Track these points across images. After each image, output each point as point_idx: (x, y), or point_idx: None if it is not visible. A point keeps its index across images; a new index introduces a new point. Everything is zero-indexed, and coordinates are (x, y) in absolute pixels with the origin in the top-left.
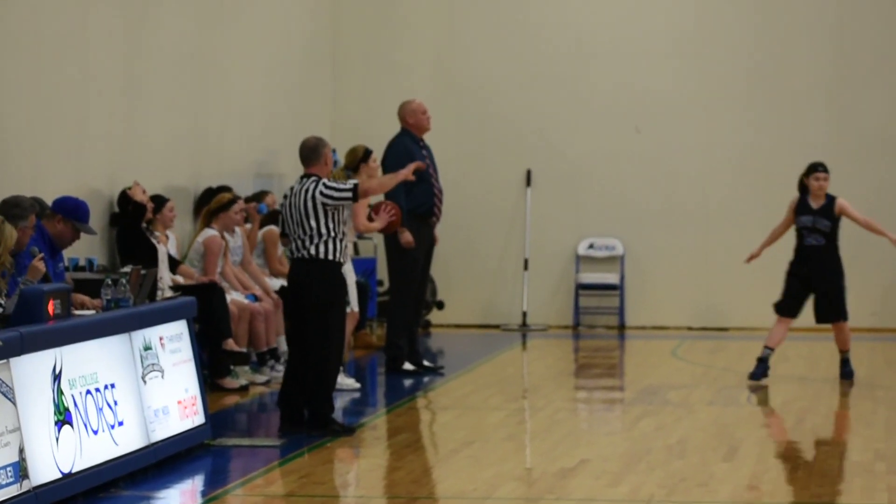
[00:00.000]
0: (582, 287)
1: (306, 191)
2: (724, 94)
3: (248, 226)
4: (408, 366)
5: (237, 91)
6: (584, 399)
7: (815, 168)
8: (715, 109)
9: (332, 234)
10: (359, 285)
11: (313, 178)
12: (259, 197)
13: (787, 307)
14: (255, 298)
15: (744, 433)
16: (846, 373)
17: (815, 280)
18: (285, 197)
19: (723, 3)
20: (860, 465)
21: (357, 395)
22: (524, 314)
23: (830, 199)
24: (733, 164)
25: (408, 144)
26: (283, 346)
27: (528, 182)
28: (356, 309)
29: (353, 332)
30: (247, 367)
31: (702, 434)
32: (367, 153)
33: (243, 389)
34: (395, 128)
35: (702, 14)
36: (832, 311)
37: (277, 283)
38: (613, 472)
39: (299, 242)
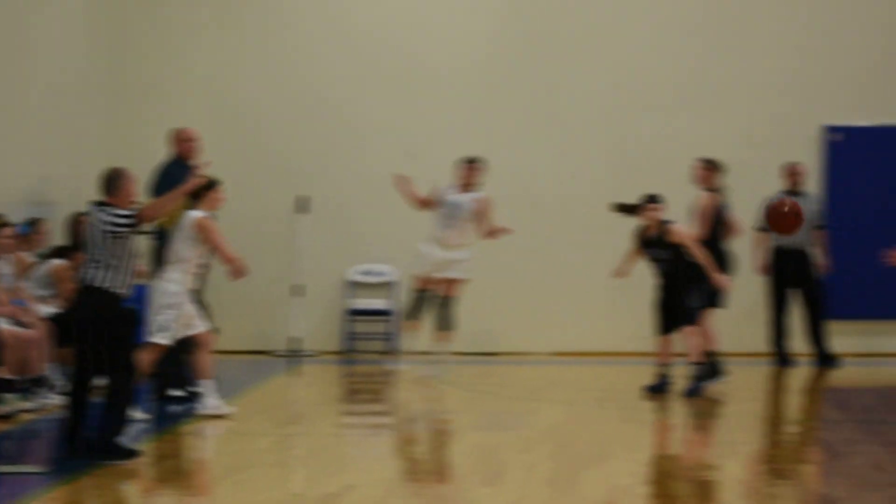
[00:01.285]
0: (353, 313)
1: (96, 219)
2: (498, 121)
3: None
4: (176, 391)
5: (11, 117)
6: (352, 424)
7: (649, 200)
8: (488, 136)
9: (117, 262)
10: (129, 312)
11: (103, 207)
12: (33, 224)
13: (663, 327)
14: (23, 325)
15: (508, 457)
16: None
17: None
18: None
19: (490, 39)
20: (625, 490)
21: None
22: (295, 340)
23: (663, 226)
24: (505, 190)
25: (172, 170)
26: (53, 373)
27: (301, 208)
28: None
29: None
30: (15, 395)
31: (466, 458)
32: (212, 183)
33: (9, 417)
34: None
35: (482, 44)
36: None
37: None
38: (377, 497)
39: (88, 270)
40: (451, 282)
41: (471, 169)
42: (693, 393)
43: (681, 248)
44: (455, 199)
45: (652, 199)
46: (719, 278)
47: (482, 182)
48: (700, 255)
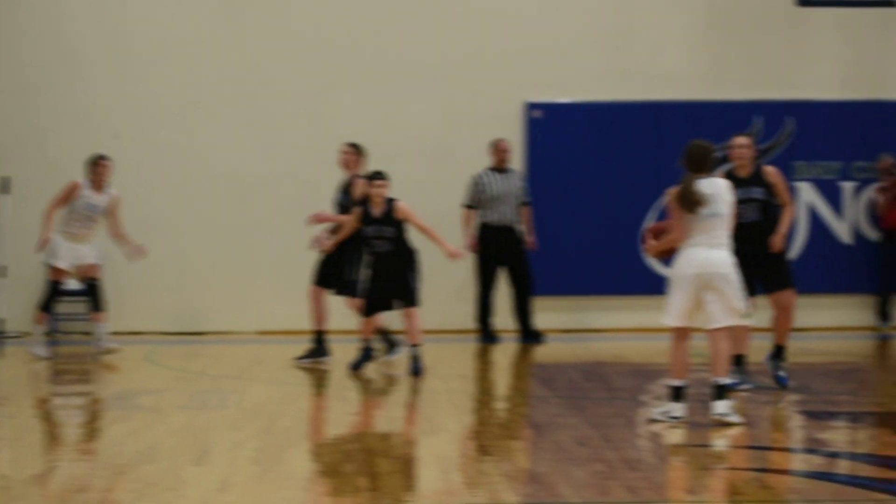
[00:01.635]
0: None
1: None
2: (204, 102)
3: None
4: None
5: None
6: (57, 405)
7: (373, 176)
8: (194, 118)
9: None
10: None
11: None
12: None
13: (371, 308)
14: None
15: (215, 437)
16: (416, 368)
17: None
18: None
19: (210, 16)
20: (330, 467)
21: None
22: (1, 321)
23: (390, 203)
24: (211, 171)
25: None
26: None
27: (2, 189)
28: None
29: None
30: None
31: (173, 438)
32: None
33: None
34: None
35: (188, 28)
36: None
37: None
38: (81, 478)
39: None
40: (88, 267)
41: (103, 167)
42: (416, 372)
43: (403, 227)
44: (90, 195)
45: (378, 175)
46: (453, 249)
47: (111, 180)
48: (430, 231)
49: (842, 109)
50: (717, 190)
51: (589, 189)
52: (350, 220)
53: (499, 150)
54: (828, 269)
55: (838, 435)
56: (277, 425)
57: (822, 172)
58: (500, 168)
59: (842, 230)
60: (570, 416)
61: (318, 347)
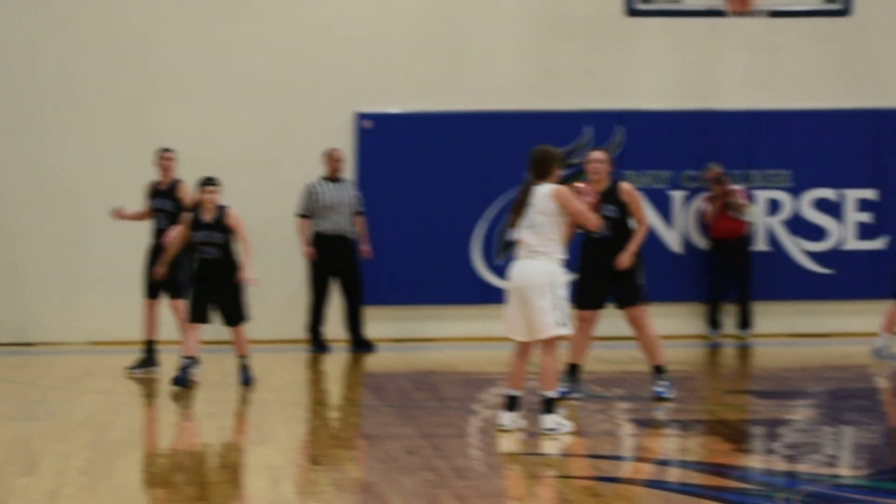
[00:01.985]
0: None
1: None
2: (36, 111)
3: None
4: None
5: None
6: None
7: (205, 182)
8: (25, 126)
9: None
10: None
11: None
12: None
13: (196, 314)
14: None
15: (44, 447)
16: (246, 379)
17: (213, 288)
18: None
19: (39, 24)
20: (160, 477)
21: None
22: None
23: (222, 210)
24: (40, 180)
25: None
26: None
27: None
28: None
29: None
30: None
31: (1, 449)
32: None
33: None
34: None
35: (12, 32)
36: (236, 316)
37: None
38: None
39: None
40: None
41: None
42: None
43: (233, 235)
44: None
45: (210, 181)
46: (249, 276)
47: None
48: (247, 247)
49: (671, 119)
50: (538, 199)
51: (419, 199)
52: (180, 229)
53: (332, 160)
54: (658, 277)
55: (669, 443)
56: (108, 436)
57: (652, 182)
58: (333, 177)
59: (672, 239)
60: (400, 425)
61: (149, 357)
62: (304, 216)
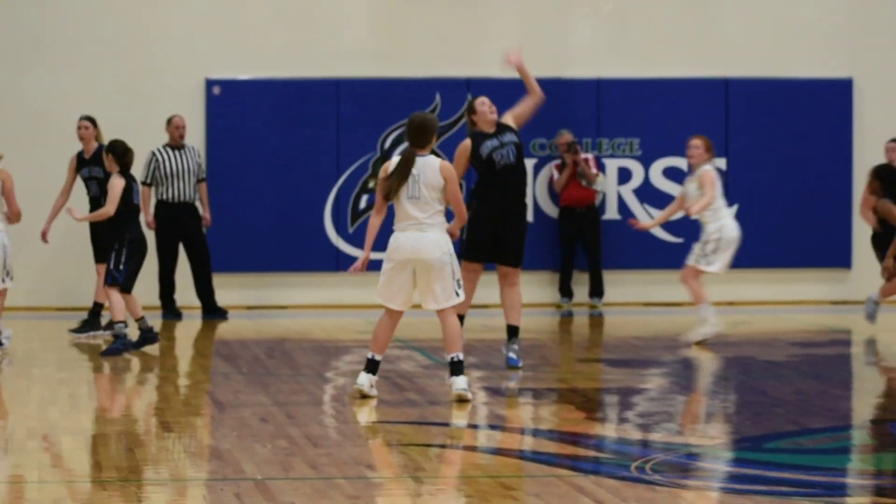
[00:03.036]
0: None
1: None
2: None
3: None
4: None
5: None
6: None
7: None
8: None
9: None
10: None
11: None
12: None
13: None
14: None
15: None
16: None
17: None
18: None
19: None
20: (14, 444)
21: None
22: None
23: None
24: None
25: None
26: None
27: None
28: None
29: None
30: None
31: None
32: None
33: None
34: None
35: None
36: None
37: None
38: None
39: None
40: None
41: None
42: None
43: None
44: None
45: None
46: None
47: None
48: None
49: (521, 87)
50: (424, 172)
51: (271, 166)
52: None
53: (174, 127)
54: None
55: (521, 411)
56: None
57: None
58: (176, 145)
59: None
60: (253, 393)
61: (94, 320)
62: (146, 184)
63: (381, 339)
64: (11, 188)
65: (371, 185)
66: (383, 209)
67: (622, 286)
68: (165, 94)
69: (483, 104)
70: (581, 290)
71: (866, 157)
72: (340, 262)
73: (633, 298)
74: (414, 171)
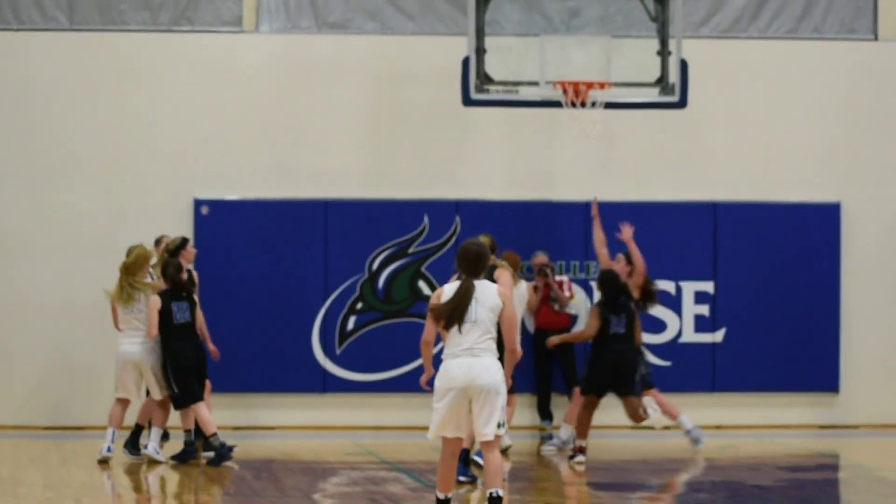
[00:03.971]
0: None
1: None
2: None
3: None
4: None
5: None
6: None
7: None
8: None
9: None
10: None
11: None
12: None
13: None
14: None
15: None
16: None
17: None
18: None
19: None
20: None
21: None
22: None
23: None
24: None
25: None
26: None
27: None
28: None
29: None
30: None
31: None
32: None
33: None
34: None
35: None
36: None
37: None
38: None
39: None
40: None
41: None
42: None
43: None
44: None
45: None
46: None
47: None
48: None
49: (508, 208)
50: (483, 296)
51: (259, 286)
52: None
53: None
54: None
55: None
56: None
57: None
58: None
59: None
60: None
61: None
62: None
63: (445, 475)
64: None
65: (359, 306)
66: (434, 337)
67: (605, 409)
68: (154, 213)
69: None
70: (561, 412)
71: (854, 281)
72: (328, 384)
73: (616, 421)
74: (475, 295)
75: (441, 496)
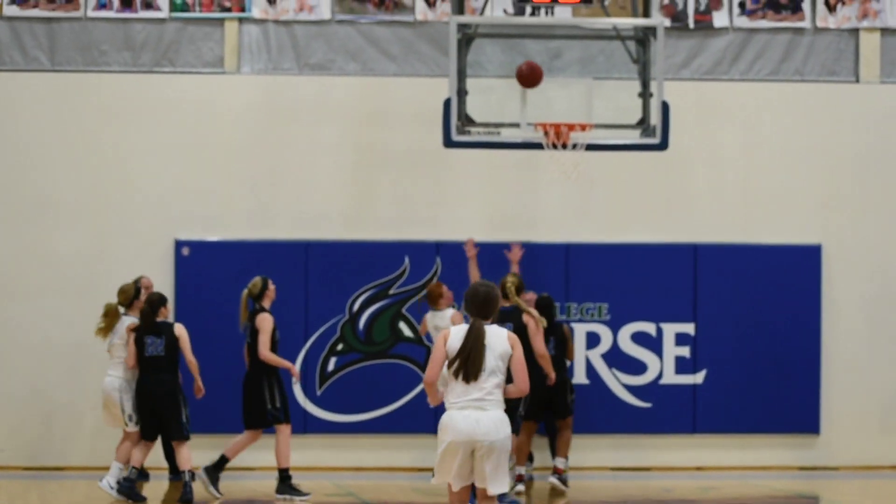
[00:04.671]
0: None
1: None
2: None
3: None
4: None
5: None
6: None
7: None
8: None
9: None
10: None
11: None
12: None
13: None
14: None
15: None
16: None
17: None
18: None
19: None
20: None
21: None
22: None
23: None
24: None
25: None
26: None
27: None
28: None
29: None
30: None
31: None
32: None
33: None
34: None
35: None
36: None
37: None
38: None
39: None
40: None
41: None
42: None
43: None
44: None
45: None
46: None
47: None
48: None
49: (490, 250)
50: (494, 342)
51: (238, 328)
52: None
53: (145, 287)
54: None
55: None
56: None
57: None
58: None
59: None
60: None
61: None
62: None
63: None
64: None
65: (340, 347)
66: (438, 378)
67: (589, 451)
68: (134, 254)
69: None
70: (542, 454)
71: (835, 323)
72: (308, 425)
73: (600, 463)
74: (487, 342)
75: None
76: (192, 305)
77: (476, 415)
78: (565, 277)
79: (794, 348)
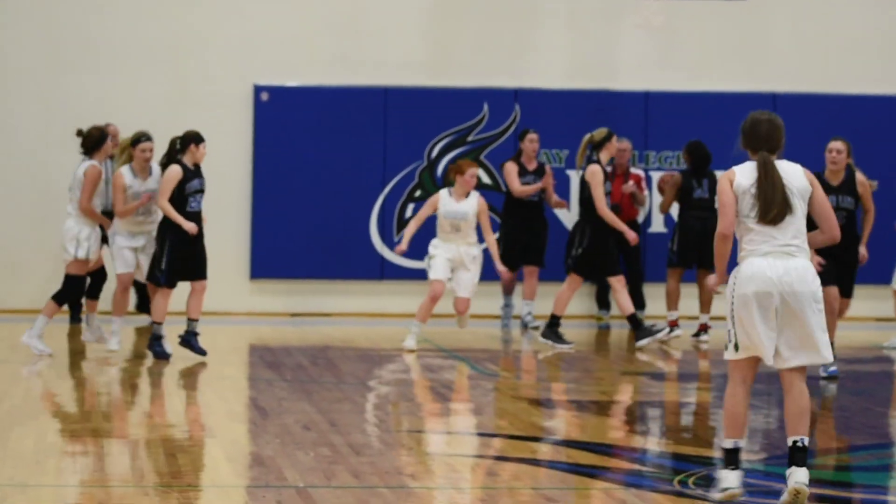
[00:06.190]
0: None
1: None
2: None
3: None
4: None
5: None
6: None
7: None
8: None
9: None
10: None
11: None
12: None
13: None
14: None
15: None
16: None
17: None
18: None
19: None
20: (57, 447)
21: None
22: None
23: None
24: None
25: None
26: None
27: None
28: None
29: None
30: None
31: None
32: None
33: None
34: None
35: None
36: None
37: None
38: None
39: None
40: None
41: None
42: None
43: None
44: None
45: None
46: None
47: None
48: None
49: (568, 98)
50: (792, 179)
51: (317, 173)
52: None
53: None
54: (550, 256)
55: (563, 423)
56: (3, 405)
57: (548, 160)
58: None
59: (569, 219)
60: (296, 400)
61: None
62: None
63: (734, 414)
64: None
65: (418, 194)
66: (734, 229)
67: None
68: (214, 100)
69: (833, 149)
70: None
71: None
72: (385, 271)
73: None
74: (783, 179)
75: (730, 444)
76: (271, 151)
77: (783, 262)
78: (645, 125)
79: (884, 188)
